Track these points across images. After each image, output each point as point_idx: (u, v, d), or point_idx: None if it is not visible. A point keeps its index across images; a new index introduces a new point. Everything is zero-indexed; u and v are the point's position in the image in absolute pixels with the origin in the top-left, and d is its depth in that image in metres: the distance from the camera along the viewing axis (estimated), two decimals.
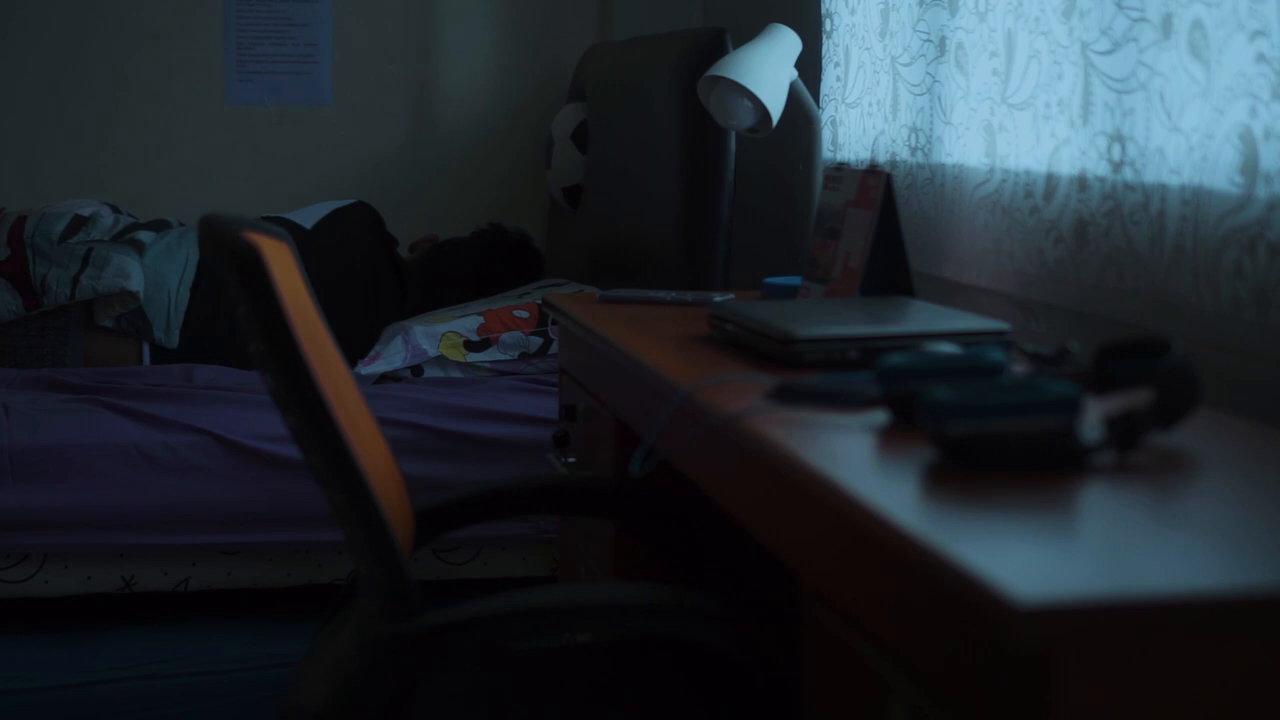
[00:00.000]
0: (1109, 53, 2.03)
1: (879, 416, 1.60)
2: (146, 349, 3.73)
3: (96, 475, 3.08)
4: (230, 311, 3.66)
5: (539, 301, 3.31)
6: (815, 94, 3.06)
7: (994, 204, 2.38)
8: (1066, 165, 2.16)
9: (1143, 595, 1.04)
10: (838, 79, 3.01)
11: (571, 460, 2.61)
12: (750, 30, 2.94)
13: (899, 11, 2.71)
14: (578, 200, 3.99)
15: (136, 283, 3.65)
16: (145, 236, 3.79)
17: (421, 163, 4.49)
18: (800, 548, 1.46)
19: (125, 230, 3.80)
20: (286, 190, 4.37)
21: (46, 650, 3.07)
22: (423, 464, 3.14)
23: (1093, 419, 1.50)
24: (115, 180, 4.33)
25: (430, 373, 3.46)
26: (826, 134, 3.00)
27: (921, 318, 1.96)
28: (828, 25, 3.04)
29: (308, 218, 3.97)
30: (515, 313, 3.52)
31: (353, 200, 4.10)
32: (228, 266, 1.56)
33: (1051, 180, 2.21)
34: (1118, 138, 2.03)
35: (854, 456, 1.45)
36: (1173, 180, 1.90)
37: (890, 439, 1.51)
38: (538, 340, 3.47)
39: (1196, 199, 1.85)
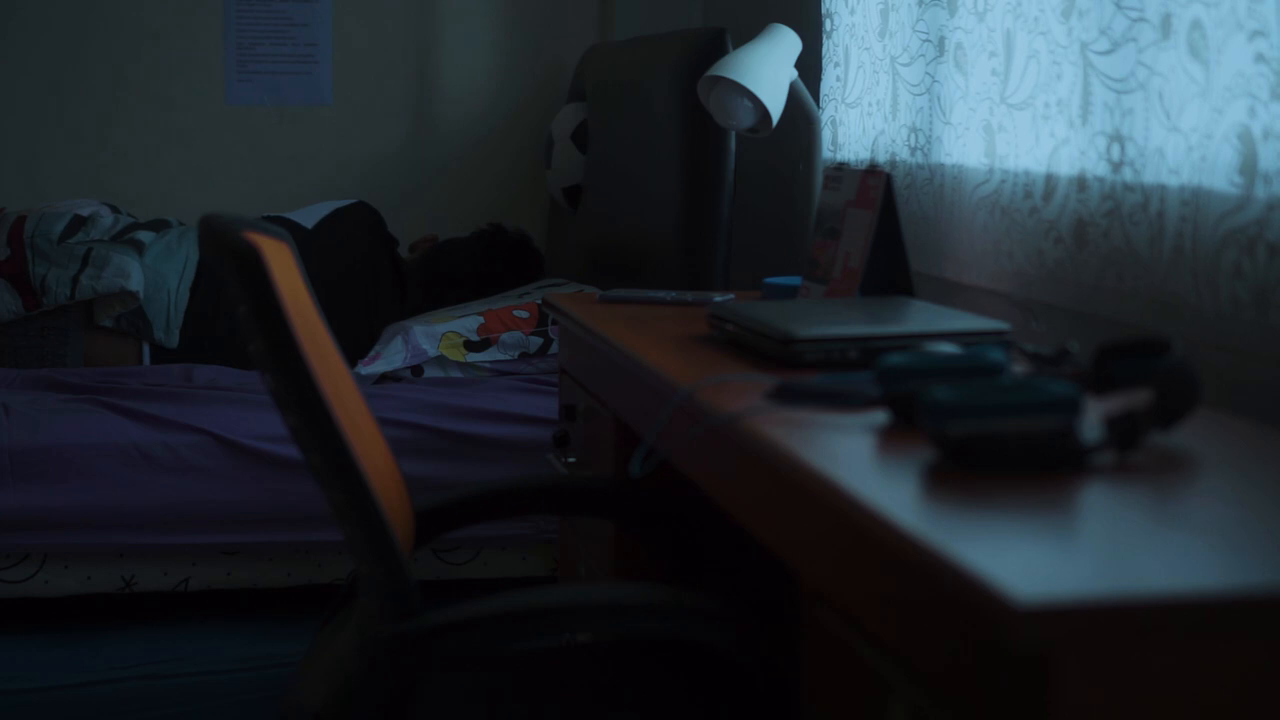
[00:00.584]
0: (1108, 53, 2.03)
1: (879, 416, 1.60)
2: (146, 349, 3.73)
3: (96, 475, 3.08)
4: (230, 311, 3.66)
5: (539, 301, 3.31)
6: (815, 94, 3.06)
7: (993, 204, 2.38)
8: (1066, 165, 2.16)
9: (1143, 595, 1.04)
10: (837, 79, 3.01)
11: (571, 460, 2.61)
12: (750, 30, 2.94)
13: (898, 11, 2.71)
14: (578, 200, 3.99)
15: (136, 282, 3.65)
16: (145, 236, 3.79)
17: (421, 163, 4.49)
18: (800, 548, 1.46)
19: (125, 230, 3.80)
20: (286, 190, 4.37)
21: (46, 650, 3.07)
22: (423, 464, 3.14)
23: (1093, 419, 1.50)
24: (115, 180, 4.33)
25: (430, 373, 3.46)
26: (826, 134, 3.00)
27: (921, 318, 1.96)
28: (827, 25, 3.04)
29: (308, 217, 3.97)
30: (515, 313, 3.52)
31: (353, 200, 4.10)
32: (228, 266, 1.56)
33: (1051, 180, 2.21)
34: (1117, 138, 2.03)
35: (854, 456, 1.45)
36: (1172, 180, 1.91)
37: (890, 439, 1.51)
38: (538, 340, 3.47)
39: (1196, 199, 1.85)
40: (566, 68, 4.45)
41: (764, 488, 1.55)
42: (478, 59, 4.50)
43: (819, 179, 2.76)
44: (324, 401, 1.57)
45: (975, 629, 1.10)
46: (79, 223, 3.78)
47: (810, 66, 3.02)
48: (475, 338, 3.46)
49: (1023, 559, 1.11)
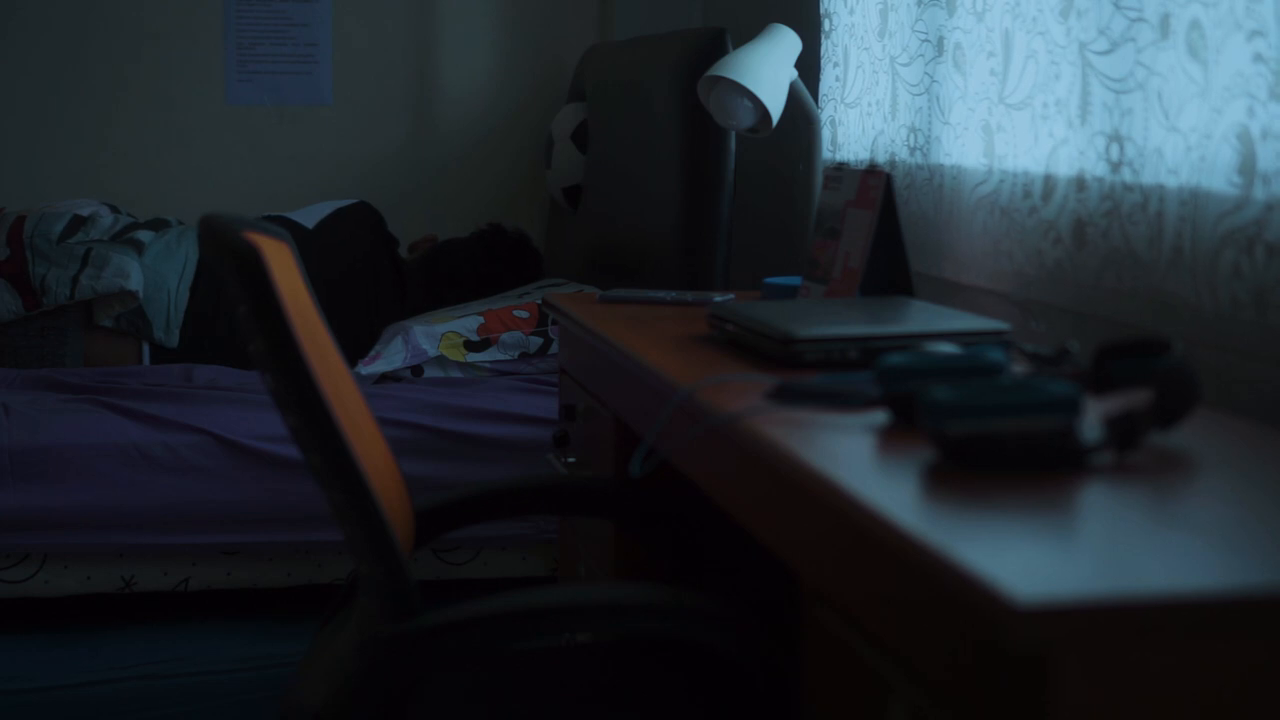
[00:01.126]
0: (1107, 53, 2.04)
1: (879, 416, 1.60)
2: (146, 349, 3.73)
3: (96, 475, 3.08)
4: (230, 311, 3.66)
5: (539, 301, 3.31)
6: (814, 94, 3.06)
7: (993, 204, 2.38)
8: (1065, 165, 2.16)
9: (1142, 595, 1.04)
10: (836, 79, 3.01)
11: (571, 460, 2.61)
12: (750, 30, 2.94)
13: (897, 11, 2.71)
14: (578, 200, 3.99)
15: (136, 282, 3.65)
16: (144, 236, 3.79)
17: (421, 163, 4.49)
18: (800, 548, 1.46)
19: (124, 230, 3.80)
20: (286, 190, 4.37)
21: (46, 650, 3.07)
22: (423, 464, 3.14)
23: (1092, 419, 1.50)
24: (115, 180, 4.33)
25: (430, 373, 3.46)
26: (826, 134, 3.00)
27: (921, 318, 1.96)
28: (826, 25, 3.05)
29: (309, 217, 3.97)
30: (515, 313, 3.52)
31: (354, 200, 4.10)
32: (228, 266, 1.56)
33: (1050, 181, 2.21)
34: (1116, 138, 2.03)
35: (854, 456, 1.45)
36: (1171, 180, 1.91)
37: (890, 439, 1.51)
38: (538, 340, 3.47)
39: (1194, 199, 1.85)
40: (566, 68, 4.45)
41: (764, 488, 1.55)
42: (478, 59, 4.50)
43: (819, 179, 2.76)
44: (324, 401, 1.57)
45: (975, 629, 1.10)
46: (79, 222, 3.78)
47: (810, 66, 3.02)
48: (475, 338, 3.46)
49: (1022, 559, 1.11)
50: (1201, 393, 1.47)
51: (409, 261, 4.07)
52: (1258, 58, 1.72)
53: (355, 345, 3.60)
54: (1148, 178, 1.96)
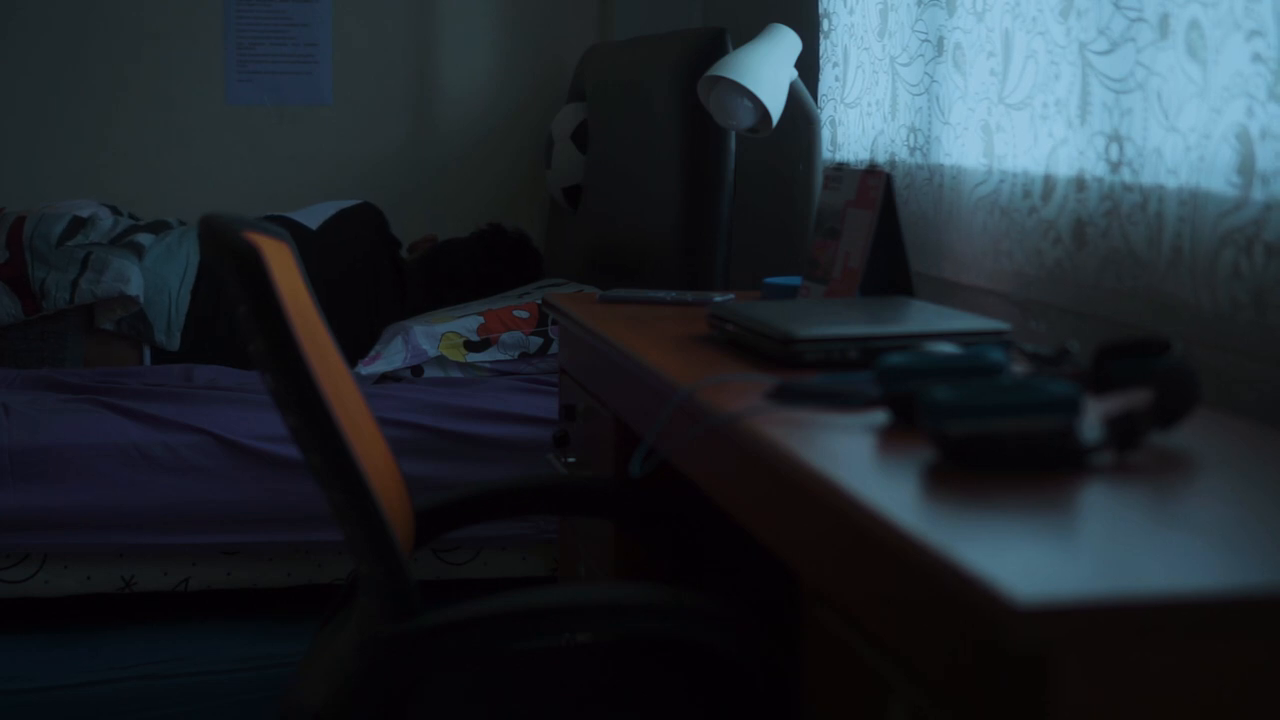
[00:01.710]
0: (1106, 53, 2.04)
1: (879, 416, 1.60)
2: (147, 351, 3.72)
3: (96, 475, 3.08)
4: (230, 312, 3.66)
5: (539, 301, 3.31)
6: (814, 94, 3.06)
7: (992, 204, 2.38)
8: (1064, 165, 2.16)
9: (1142, 595, 1.04)
10: (836, 79, 3.01)
11: (571, 460, 2.61)
12: (750, 30, 2.94)
13: (897, 11, 2.71)
14: (578, 200, 3.99)
15: (135, 287, 3.65)
16: (144, 239, 3.78)
17: (421, 163, 4.49)
18: (800, 548, 1.46)
19: (125, 232, 3.79)
20: (287, 190, 4.37)
21: (46, 650, 3.07)
22: (423, 464, 3.14)
23: (1092, 419, 1.50)
24: (115, 180, 4.33)
25: (430, 373, 3.46)
26: (826, 134, 3.00)
27: (921, 318, 1.96)
28: (826, 25, 3.05)
29: (313, 218, 3.97)
30: (515, 313, 3.52)
31: (357, 201, 4.10)
32: (228, 267, 1.56)
33: (1049, 181, 2.21)
34: (1115, 138, 2.03)
35: (854, 456, 1.45)
36: (1170, 181, 1.91)
37: (890, 439, 1.51)
38: (538, 340, 3.47)
39: (1194, 199, 1.85)
40: (566, 68, 4.45)
41: (764, 488, 1.55)
42: (478, 59, 4.50)
43: (819, 179, 2.76)
44: (324, 401, 1.57)
45: (975, 629, 1.10)
46: (78, 224, 3.77)
47: (809, 66, 3.02)
48: (475, 338, 3.46)
49: (1022, 559, 1.11)
50: (1201, 393, 1.47)
51: (409, 261, 4.07)
52: (1257, 58, 1.72)
53: (355, 345, 3.60)
54: (1147, 178, 1.96)
